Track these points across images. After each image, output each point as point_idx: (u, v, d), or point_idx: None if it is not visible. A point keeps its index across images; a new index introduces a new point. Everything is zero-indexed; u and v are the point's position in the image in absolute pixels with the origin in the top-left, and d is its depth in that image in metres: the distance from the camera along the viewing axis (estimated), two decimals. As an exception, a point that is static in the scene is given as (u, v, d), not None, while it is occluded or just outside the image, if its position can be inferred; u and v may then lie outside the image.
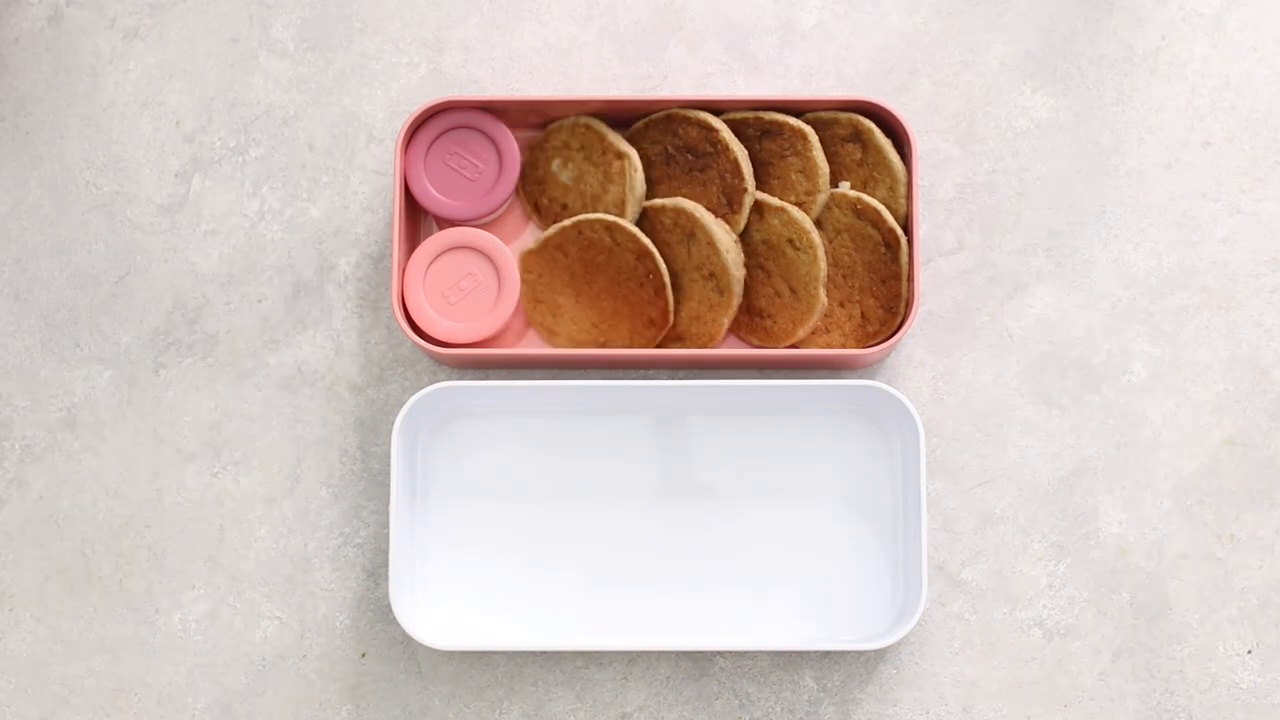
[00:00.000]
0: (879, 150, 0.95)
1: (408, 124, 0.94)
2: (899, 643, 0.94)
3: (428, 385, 0.96)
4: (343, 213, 0.98)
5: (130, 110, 0.99)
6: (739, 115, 0.96)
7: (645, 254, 0.94)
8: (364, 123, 0.99)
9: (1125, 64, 0.99)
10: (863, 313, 0.95)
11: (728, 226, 0.95)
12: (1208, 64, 0.99)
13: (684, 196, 0.96)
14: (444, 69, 0.99)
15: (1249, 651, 0.95)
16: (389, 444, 0.96)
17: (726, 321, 0.94)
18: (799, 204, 0.95)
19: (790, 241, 0.94)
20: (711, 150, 0.95)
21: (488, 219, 0.97)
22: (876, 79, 0.99)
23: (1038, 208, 0.98)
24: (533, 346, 0.97)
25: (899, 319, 0.94)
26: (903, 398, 0.92)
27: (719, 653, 0.95)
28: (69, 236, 0.98)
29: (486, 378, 0.97)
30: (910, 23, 0.99)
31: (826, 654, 0.95)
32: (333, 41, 1.00)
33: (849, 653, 0.94)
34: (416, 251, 0.95)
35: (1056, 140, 0.99)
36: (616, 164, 0.95)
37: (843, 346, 0.95)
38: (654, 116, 0.96)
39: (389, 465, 0.95)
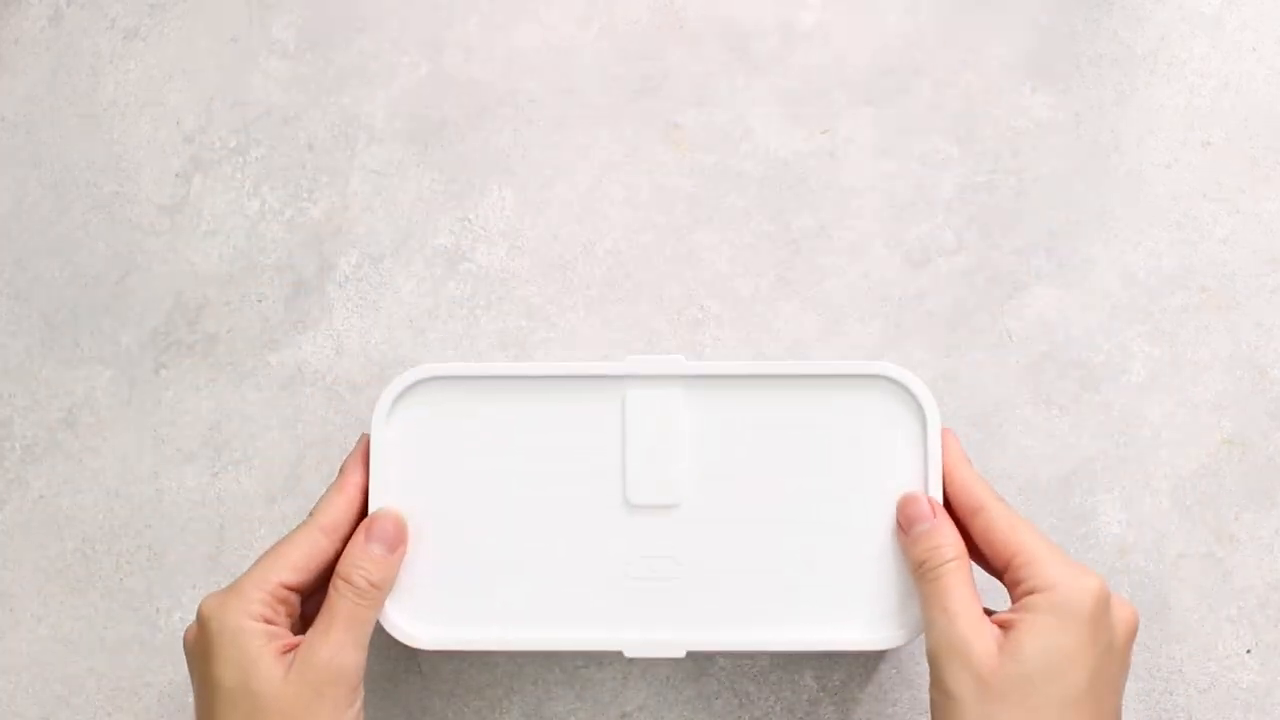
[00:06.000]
0: None
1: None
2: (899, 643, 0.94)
3: (428, 385, 0.96)
4: (343, 213, 0.98)
5: (130, 110, 0.99)
6: None
7: None
8: (364, 123, 0.99)
9: (1125, 64, 0.99)
10: None
11: None
12: (1207, 64, 0.99)
13: None
14: (444, 69, 0.99)
15: (1248, 651, 0.95)
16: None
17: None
18: None
19: None
20: None
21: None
22: (876, 79, 0.99)
23: (1038, 208, 0.98)
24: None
25: None
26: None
27: (719, 653, 0.95)
28: (69, 236, 0.98)
29: (486, 378, 0.97)
30: (910, 23, 0.99)
31: (826, 654, 0.95)
32: (333, 41, 1.00)
33: (849, 653, 0.95)
34: None
35: (1056, 140, 0.99)
36: None
37: None
38: None
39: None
